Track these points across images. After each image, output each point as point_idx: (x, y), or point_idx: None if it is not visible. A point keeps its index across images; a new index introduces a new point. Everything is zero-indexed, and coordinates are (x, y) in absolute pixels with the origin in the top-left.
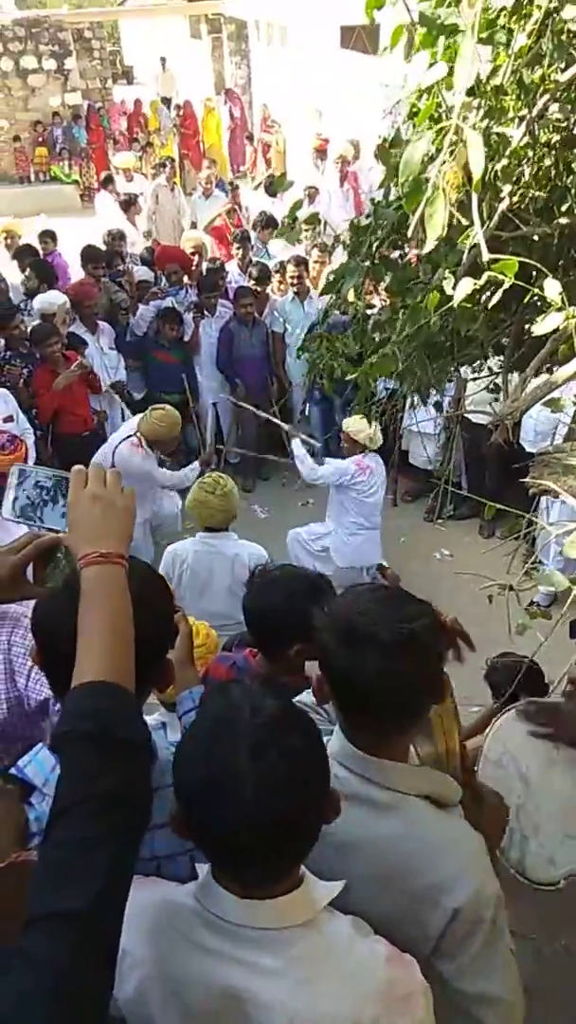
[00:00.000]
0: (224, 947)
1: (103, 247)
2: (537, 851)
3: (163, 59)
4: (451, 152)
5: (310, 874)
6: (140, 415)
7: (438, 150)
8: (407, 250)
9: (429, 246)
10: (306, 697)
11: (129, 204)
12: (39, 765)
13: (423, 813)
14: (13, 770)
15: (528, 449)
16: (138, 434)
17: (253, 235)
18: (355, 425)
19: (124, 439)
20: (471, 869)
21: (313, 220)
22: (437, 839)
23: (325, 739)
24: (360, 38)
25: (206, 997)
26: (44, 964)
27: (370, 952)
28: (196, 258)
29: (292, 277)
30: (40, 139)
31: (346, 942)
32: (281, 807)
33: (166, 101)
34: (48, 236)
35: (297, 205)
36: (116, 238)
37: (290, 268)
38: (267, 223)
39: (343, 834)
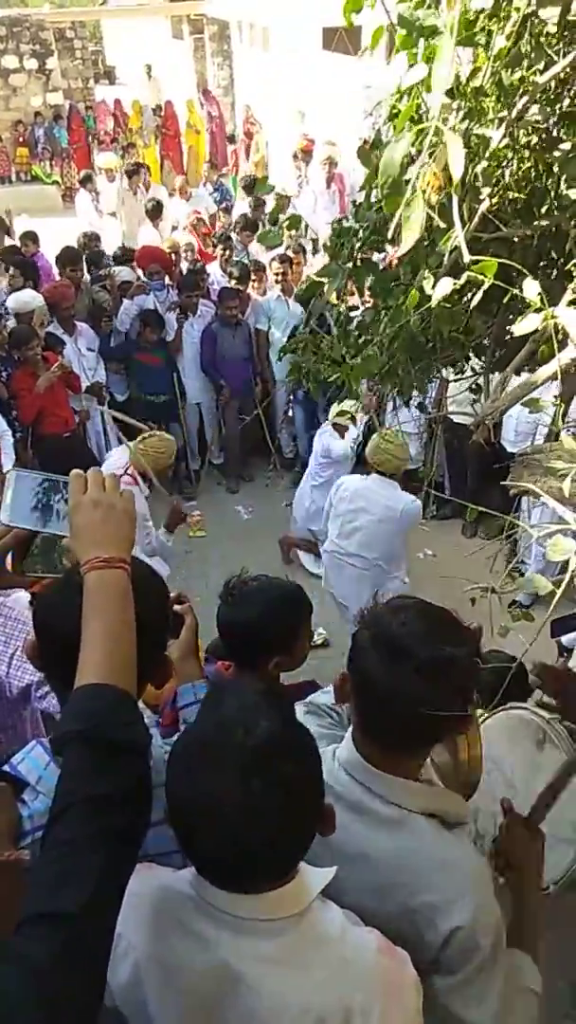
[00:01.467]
0: (218, 933)
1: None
2: None
3: (148, 66)
4: (431, 154)
5: (303, 864)
6: (121, 448)
7: (418, 152)
8: (388, 251)
9: (406, 247)
10: (322, 697)
11: (157, 211)
12: (32, 762)
13: (426, 832)
14: (6, 767)
15: (509, 449)
16: (131, 470)
17: (234, 236)
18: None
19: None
20: (471, 892)
21: (295, 223)
22: (438, 859)
23: (333, 747)
24: (342, 40)
25: (200, 981)
26: (30, 965)
27: (361, 942)
28: (174, 257)
29: (277, 274)
30: (20, 139)
31: (338, 931)
32: (268, 832)
33: (155, 110)
34: (30, 238)
35: (278, 208)
36: (91, 239)
37: (275, 265)
38: (247, 225)
39: (343, 844)
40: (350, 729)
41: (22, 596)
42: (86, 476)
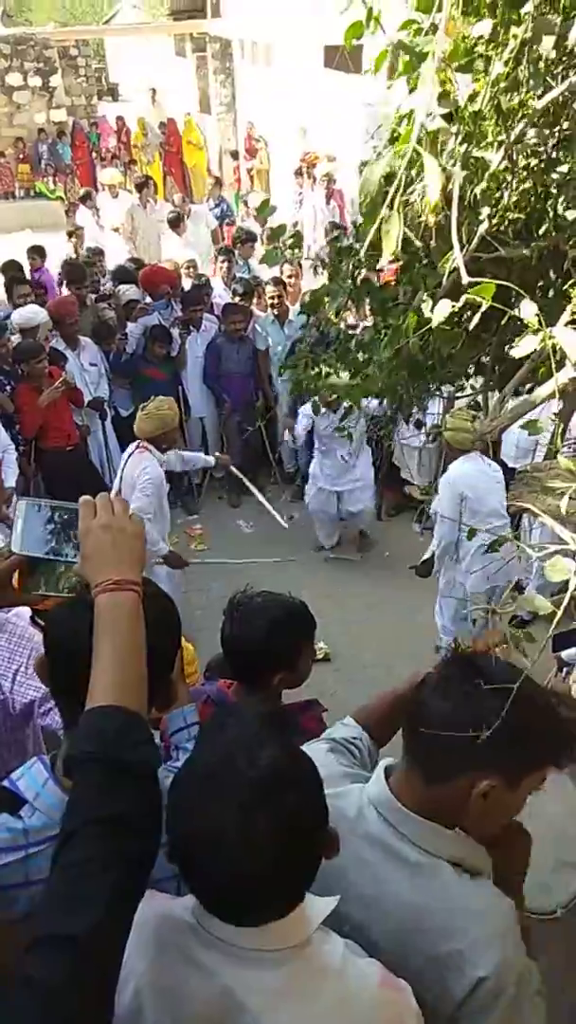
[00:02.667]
0: (218, 963)
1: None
2: (532, 879)
3: (153, 90)
4: (416, 173)
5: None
6: (138, 454)
7: (404, 171)
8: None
9: (384, 261)
10: (340, 731)
11: (177, 221)
12: (31, 779)
13: (452, 878)
14: (6, 782)
15: (510, 465)
16: (142, 443)
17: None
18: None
19: (130, 456)
20: (499, 939)
21: (297, 243)
22: (465, 906)
23: (359, 785)
24: (343, 58)
25: (203, 1009)
26: (38, 986)
27: (363, 973)
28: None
29: (271, 298)
30: (21, 155)
31: (339, 962)
32: (271, 866)
33: (160, 126)
34: (36, 252)
35: (280, 230)
36: (95, 254)
37: (269, 289)
38: (247, 238)
39: (364, 884)
40: (380, 766)
41: (23, 612)
42: (95, 502)
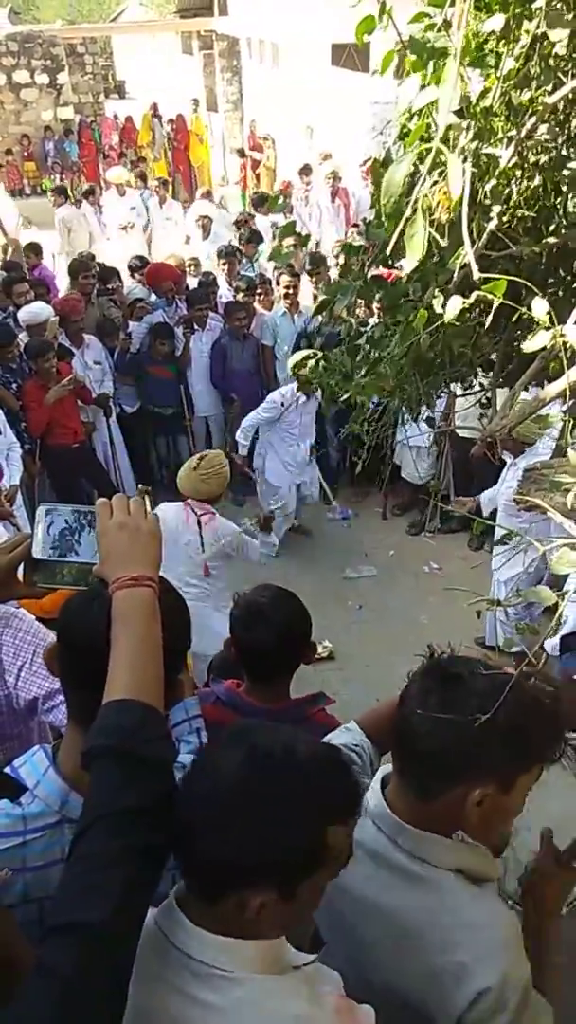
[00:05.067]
0: (173, 976)
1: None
2: None
3: (155, 104)
4: (439, 173)
5: (287, 946)
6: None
7: (424, 172)
8: (397, 266)
9: (409, 267)
10: (343, 736)
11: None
12: (33, 767)
13: (454, 889)
14: (8, 769)
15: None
16: (204, 505)
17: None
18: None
19: (200, 525)
20: (500, 952)
21: (305, 241)
22: (466, 918)
23: None
24: (350, 56)
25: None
26: (54, 973)
27: (318, 1003)
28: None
29: (287, 287)
30: (27, 153)
31: (295, 988)
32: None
33: (159, 117)
34: (32, 250)
35: (288, 228)
36: (88, 259)
37: (284, 279)
38: (251, 237)
39: (364, 897)
40: (377, 777)
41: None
42: (111, 503)
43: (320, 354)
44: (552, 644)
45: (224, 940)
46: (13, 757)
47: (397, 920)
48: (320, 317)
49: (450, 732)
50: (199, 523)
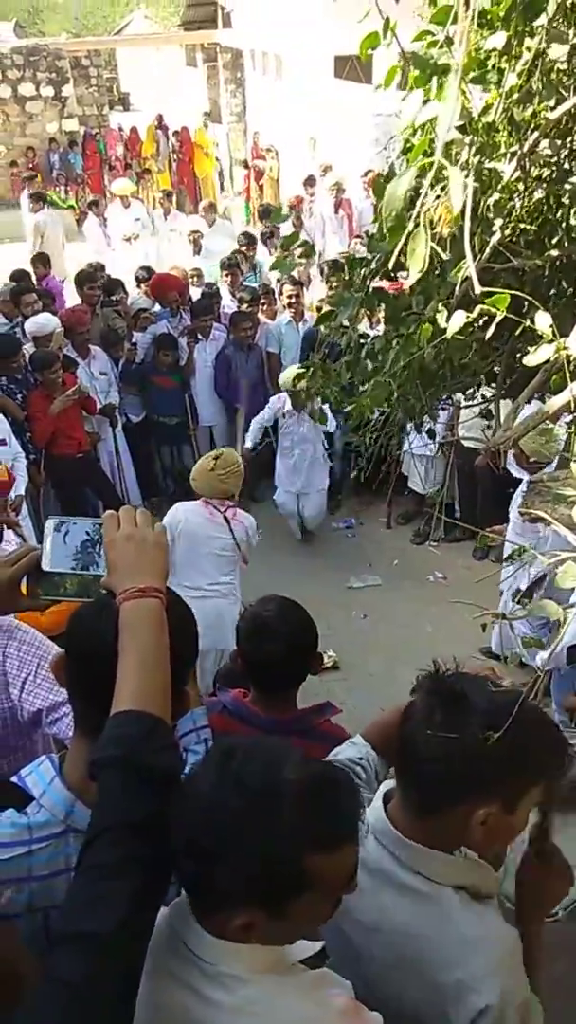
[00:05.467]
0: (186, 975)
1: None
2: None
3: (160, 115)
4: (442, 188)
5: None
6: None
7: (426, 186)
8: (399, 277)
9: (411, 280)
10: (348, 751)
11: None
12: (39, 776)
13: (454, 906)
14: (14, 778)
15: (514, 474)
16: (227, 503)
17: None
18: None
19: (228, 520)
20: (501, 969)
21: (308, 252)
22: (466, 935)
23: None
24: (353, 68)
25: (170, 1022)
26: (61, 982)
27: (325, 1003)
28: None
29: (289, 297)
30: (31, 165)
31: (303, 988)
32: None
33: (163, 129)
34: (40, 261)
35: (292, 238)
36: (97, 270)
37: (287, 288)
38: (250, 241)
39: (364, 912)
40: (379, 792)
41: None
42: (118, 515)
43: (317, 366)
44: (560, 658)
45: (224, 944)
46: (18, 769)
47: (398, 936)
48: (323, 327)
49: (455, 753)
50: (226, 519)
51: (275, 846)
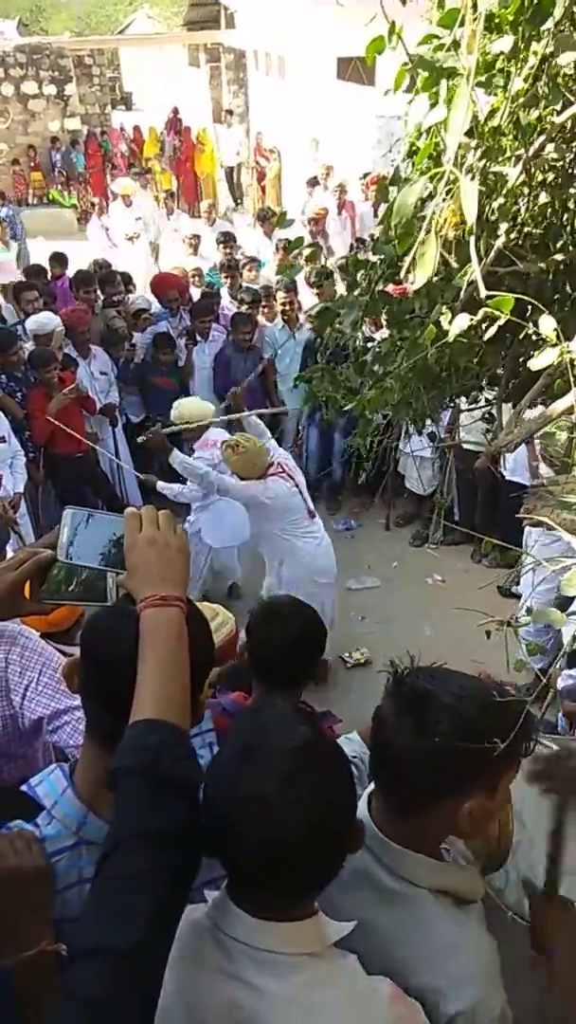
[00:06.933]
0: (233, 967)
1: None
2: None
3: (176, 108)
4: (449, 194)
5: (323, 913)
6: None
7: (431, 195)
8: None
9: (419, 284)
10: (345, 748)
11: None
12: (50, 786)
13: (433, 910)
14: (24, 787)
15: (508, 478)
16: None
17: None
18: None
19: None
20: (476, 977)
21: (314, 256)
22: (444, 940)
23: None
24: (356, 70)
25: (216, 1017)
26: (80, 998)
27: (374, 988)
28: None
29: (283, 304)
30: (33, 163)
31: (351, 976)
32: (304, 831)
33: (177, 123)
34: (57, 260)
35: (297, 243)
36: (102, 267)
37: (280, 296)
38: (248, 262)
39: (341, 912)
40: (365, 793)
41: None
42: (140, 514)
43: (326, 370)
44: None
45: (269, 924)
46: (22, 778)
47: (378, 938)
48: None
49: (432, 755)
50: (291, 476)
51: (345, 799)
